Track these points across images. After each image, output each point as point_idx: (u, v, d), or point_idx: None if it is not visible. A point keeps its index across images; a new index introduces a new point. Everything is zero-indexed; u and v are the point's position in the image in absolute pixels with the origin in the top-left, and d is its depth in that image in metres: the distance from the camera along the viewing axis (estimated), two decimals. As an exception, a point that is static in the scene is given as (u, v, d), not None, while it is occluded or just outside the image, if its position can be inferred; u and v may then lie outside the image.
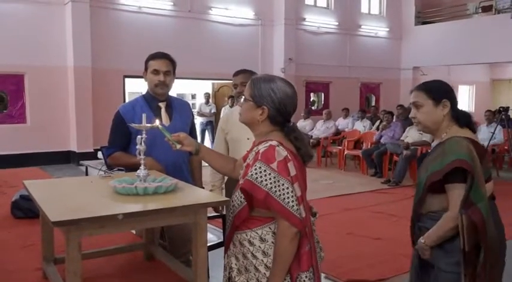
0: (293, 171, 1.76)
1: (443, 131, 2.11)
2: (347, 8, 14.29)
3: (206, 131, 12.28)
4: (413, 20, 15.39)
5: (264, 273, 1.79)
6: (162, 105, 2.92)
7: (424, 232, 2.08)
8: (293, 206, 1.74)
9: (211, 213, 3.29)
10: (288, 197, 1.74)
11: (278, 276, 1.77)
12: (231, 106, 11.72)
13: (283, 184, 1.74)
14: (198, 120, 11.94)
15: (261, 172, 1.75)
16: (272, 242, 1.80)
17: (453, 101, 2.11)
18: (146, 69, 2.89)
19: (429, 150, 7.63)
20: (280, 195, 1.74)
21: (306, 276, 1.79)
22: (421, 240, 2.06)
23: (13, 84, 9.64)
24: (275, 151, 1.77)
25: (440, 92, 2.11)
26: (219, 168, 2.22)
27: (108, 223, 1.86)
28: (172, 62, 2.91)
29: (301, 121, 11.00)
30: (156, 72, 2.84)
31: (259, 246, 1.81)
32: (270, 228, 1.81)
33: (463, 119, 2.11)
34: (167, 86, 2.89)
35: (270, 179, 1.74)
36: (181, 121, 2.96)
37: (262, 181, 1.75)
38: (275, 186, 1.74)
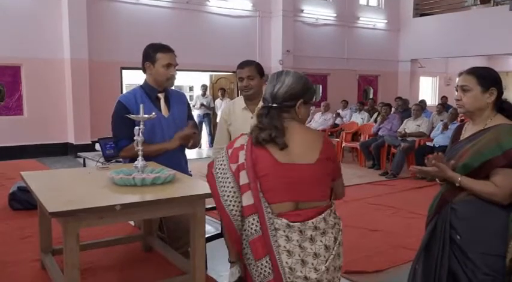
0: (242, 159, 1.76)
1: (486, 118, 2.14)
2: (345, 0, 14.23)
3: (203, 123, 12.24)
4: (412, 12, 15.31)
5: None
6: (161, 96, 2.92)
7: (456, 214, 2.14)
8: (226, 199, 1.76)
9: (210, 204, 3.29)
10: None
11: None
12: (222, 99, 11.75)
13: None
14: (195, 113, 11.88)
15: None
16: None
17: (500, 90, 2.14)
18: (152, 61, 2.83)
19: (427, 143, 7.52)
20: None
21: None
22: (459, 178, 2.09)
23: (10, 76, 9.58)
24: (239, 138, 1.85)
25: (490, 79, 2.13)
26: None
27: (106, 214, 1.86)
28: (176, 56, 2.94)
29: (299, 113, 10.97)
30: (169, 66, 2.84)
31: None
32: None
33: (510, 110, 2.17)
34: (175, 79, 2.93)
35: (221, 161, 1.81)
36: (179, 111, 2.97)
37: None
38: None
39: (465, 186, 2.09)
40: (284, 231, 1.71)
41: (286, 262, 1.70)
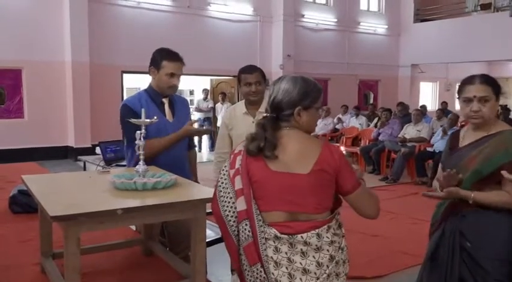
0: (238, 164, 1.76)
1: (490, 124, 2.16)
2: (346, 5, 14.26)
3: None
4: (412, 17, 15.36)
5: None
6: (165, 101, 2.91)
7: (466, 221, 2.13)
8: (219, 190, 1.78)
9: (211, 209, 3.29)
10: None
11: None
12: (223, 103, 11.74)
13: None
14: (196, 117, 11.90)
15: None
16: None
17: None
18: (158, 67, 2.81)
19: (427, 148, 7.48)
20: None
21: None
22: (472, 194, 2.08)
23: (11, 79, 9.60)
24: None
25: (499, 87, 2.16)
26: None
27: (107, 218, 1.86)
28: (183, 64, 2.91)
29: (299, 118, 10.97)
30: (172, 75, 2.81)
31: None
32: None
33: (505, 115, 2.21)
34: (177, 88, 2.92)
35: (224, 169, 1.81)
36: (183, 117, 2.97)
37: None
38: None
39: (479, 202, 2.07)
40: (274, 241, 1.66)
41: (273, 273, 1.66)
